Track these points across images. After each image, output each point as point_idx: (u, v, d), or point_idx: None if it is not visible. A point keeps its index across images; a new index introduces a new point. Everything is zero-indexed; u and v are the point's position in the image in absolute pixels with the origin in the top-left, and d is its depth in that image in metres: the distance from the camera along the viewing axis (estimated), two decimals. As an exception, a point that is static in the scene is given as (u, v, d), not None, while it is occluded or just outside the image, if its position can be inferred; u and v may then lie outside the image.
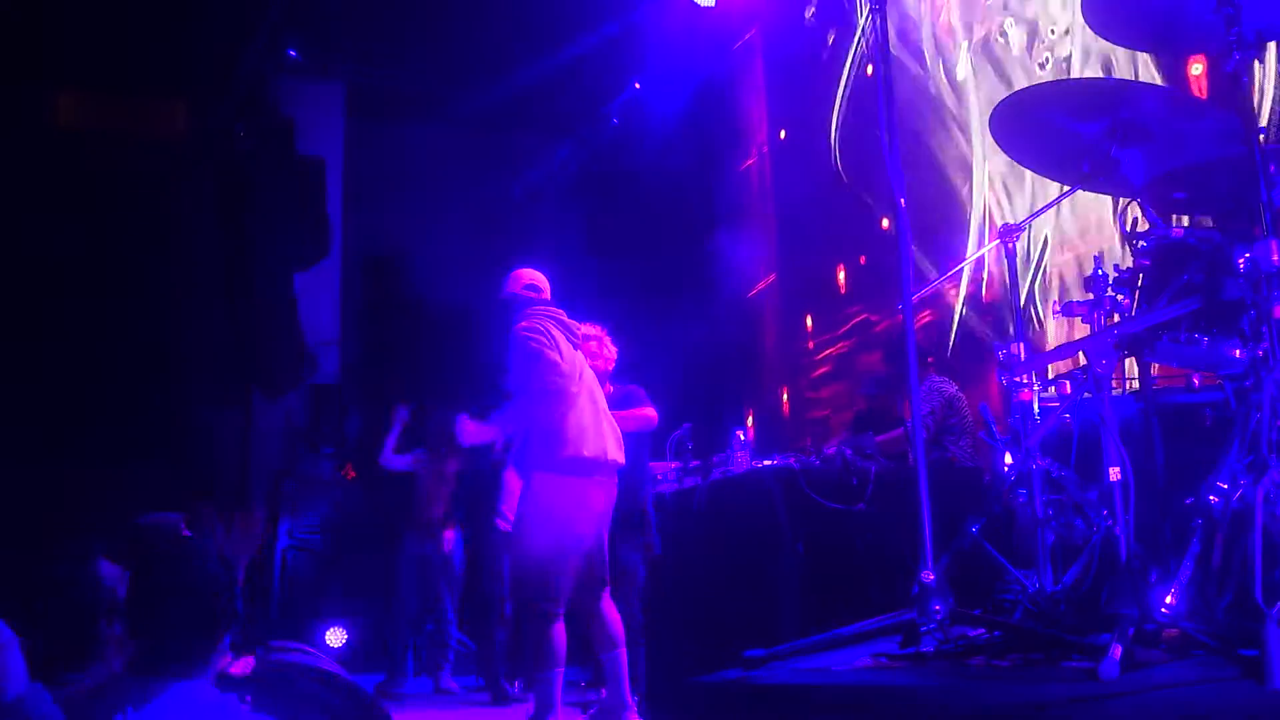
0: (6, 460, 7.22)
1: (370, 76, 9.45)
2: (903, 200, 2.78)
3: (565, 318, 4.24)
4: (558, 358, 4.01)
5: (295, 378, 9.08)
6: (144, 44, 8.27)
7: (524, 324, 4.10)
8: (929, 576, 2.59)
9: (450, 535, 6.37)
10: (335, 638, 6.89)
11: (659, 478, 5.13)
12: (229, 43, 8.57)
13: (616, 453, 4.11)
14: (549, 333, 4.08)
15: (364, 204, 9.45)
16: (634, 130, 9.36)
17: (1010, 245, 3.12)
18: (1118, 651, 2.15)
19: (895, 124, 3.05)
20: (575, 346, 4.21)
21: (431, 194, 9.34)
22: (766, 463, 4.44)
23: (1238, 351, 2.63)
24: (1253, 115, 2.53)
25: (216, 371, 8.76)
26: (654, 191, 9.18)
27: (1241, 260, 2.56)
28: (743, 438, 4.67)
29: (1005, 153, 3.19)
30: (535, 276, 4.38)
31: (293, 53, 9.08)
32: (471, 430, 4.33)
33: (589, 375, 4.22)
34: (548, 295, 4.33)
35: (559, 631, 3.91)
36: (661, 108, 8.99)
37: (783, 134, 8.38)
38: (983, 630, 2.67)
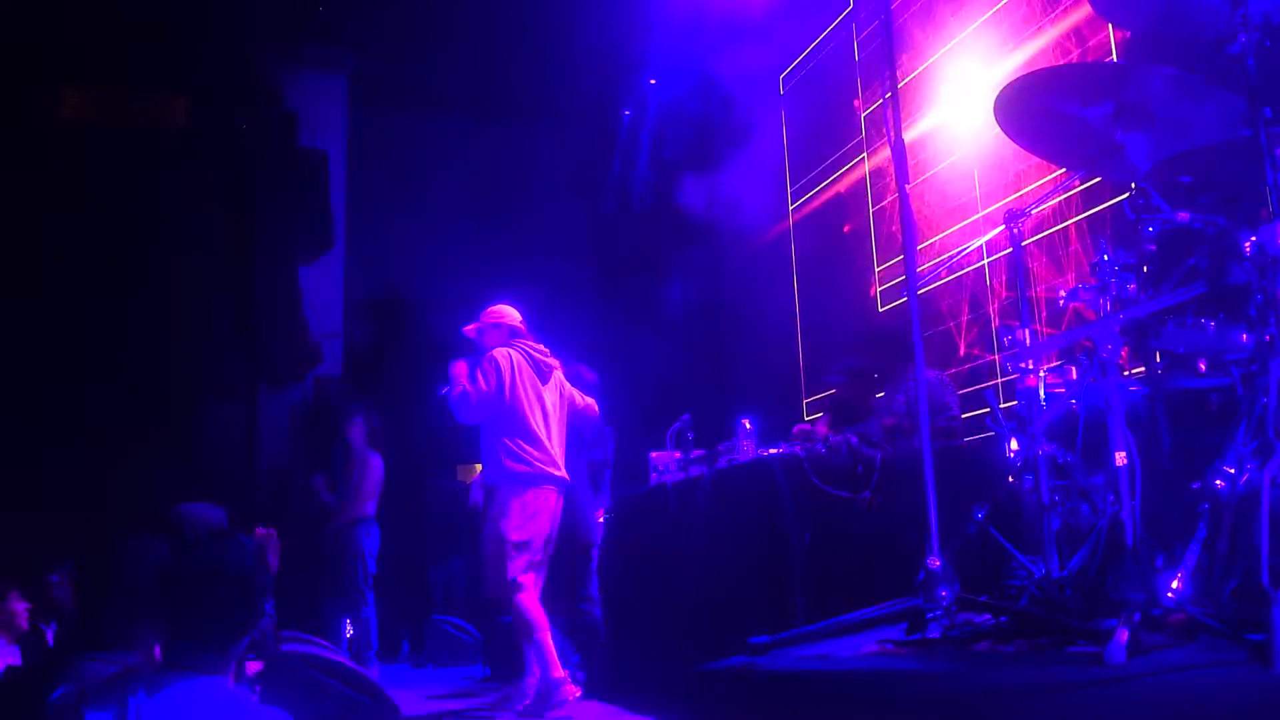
0: (8, 455, 7.26)
1: (373, 68, 9.44)
2: (906, 185, 2.78)
3: (532, 348, 5.06)
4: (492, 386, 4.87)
5: (299, 371, 9.10)
6: (146, 37, 8.27)
7: (488, 355, 4.95)
8: (935, 563, 2.59)
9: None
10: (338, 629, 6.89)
11: (661, 468, 5.19)
12: (231, 35, 8.57)
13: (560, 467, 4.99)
14: (505, 366, 4.91)
15: (367, 196, 9.45)
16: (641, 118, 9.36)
17: (1016, 229, 3.10)
18: (1124, 636, 2.14)
19: (899, 115, 3.05)
20: (540, 374, 5.03)
21: (435, 186, 9.33)
22: (772, 451, 4.43)
23: (1244, 336, 2.61)
24: (1258, 97, 2.51)
25: (221, 365, 8.78)
26: (657, 181, 9.17)
27: (1248, 244, 2.55)
28: (748, 426, 4.66)
29: (1009, 138, 3.17)
30: (503, 313, 5.19)
31: (294, 44, 9.07)
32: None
33: (549, 400, 5.03)
34: (518, 327, 5.16)
35: (530, 601, 4.71)
36: (666, 94, 8.97)
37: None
38: (988, 616, 2.67)
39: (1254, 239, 2.52)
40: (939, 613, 2.63)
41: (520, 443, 4.85)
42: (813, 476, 4.11)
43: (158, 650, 2.19)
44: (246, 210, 8.68)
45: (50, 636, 5.36)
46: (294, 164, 8.91)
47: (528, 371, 4.99)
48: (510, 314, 5.20)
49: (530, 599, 4.73)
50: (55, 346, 8.01)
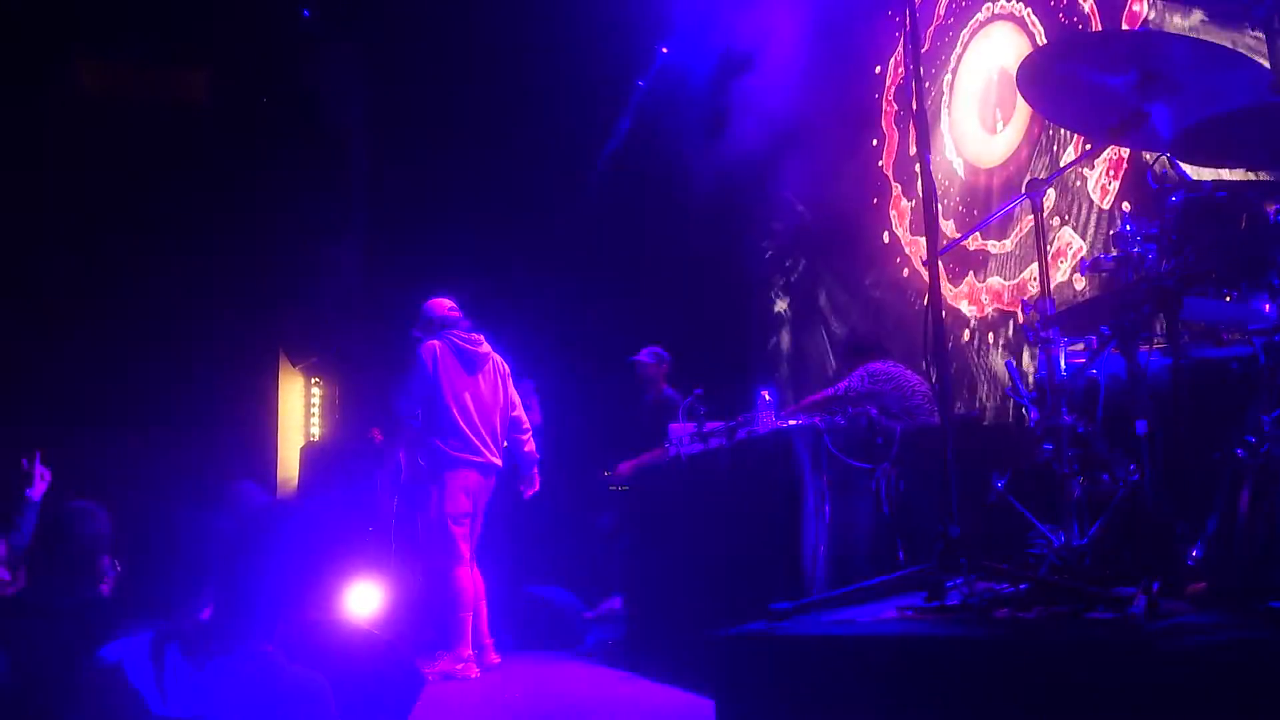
0: (31, 429, 7.34)
1: (393, 42, 9.41)
2: (929, 157, 2.78)
3: (461, 338, 5.44)
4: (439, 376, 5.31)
5: (321, 347, 9.16)
6: (166, 11, 8.29)
7: (416, 351, 5.34)
8: (954, 531, 2.61)
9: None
10: (363, 598, 6.97)
11: (677, 440, 5.24)
12: (251, 10, 8.57)
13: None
14: (429, 359, 5.32)
15: (387, 173, 9.44)
16: (657, 92, 9.30)
17: (1037, 200, 3.09)
18: (1143, 604, 2.15)
19: (923, 91, 3.04)
20: (465, 363, 5.41)
21: (456, 160, 9.31)
22: (791, 422, 4.44)
23: (1267, 306, 2.60)
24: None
25: (243, 341, 8.84)
26: (669, 160, 9.12)
27: (1272, 213, 2.54)
28: (767, 398, 4.67)
29: (1033, 108, 3.16)
30: (434, 306, 5.55)
31: (314, 20, 9.06)
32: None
33: (483, 387, 5.44)
34: (448, 316, 5.51)
35: (465, 575, 5.22)
36: (685, 69, 8.90)
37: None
38: (1008, 584, 2.68)
39: (1278, 207, 2.51)
40: (959, 580, 2.65)
41: (443, 430, 5.30)
42: (832, 448, 4.13)
43: (202, 615, 2.24)
44: (267, 186, 8.71)
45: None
46: (314, 140, 8.94)
47: (452, 362, 5.38)
48: (441, 305, 5.55)
49: (465, 574, 5.21)
50: (73, 326, 8.08)
